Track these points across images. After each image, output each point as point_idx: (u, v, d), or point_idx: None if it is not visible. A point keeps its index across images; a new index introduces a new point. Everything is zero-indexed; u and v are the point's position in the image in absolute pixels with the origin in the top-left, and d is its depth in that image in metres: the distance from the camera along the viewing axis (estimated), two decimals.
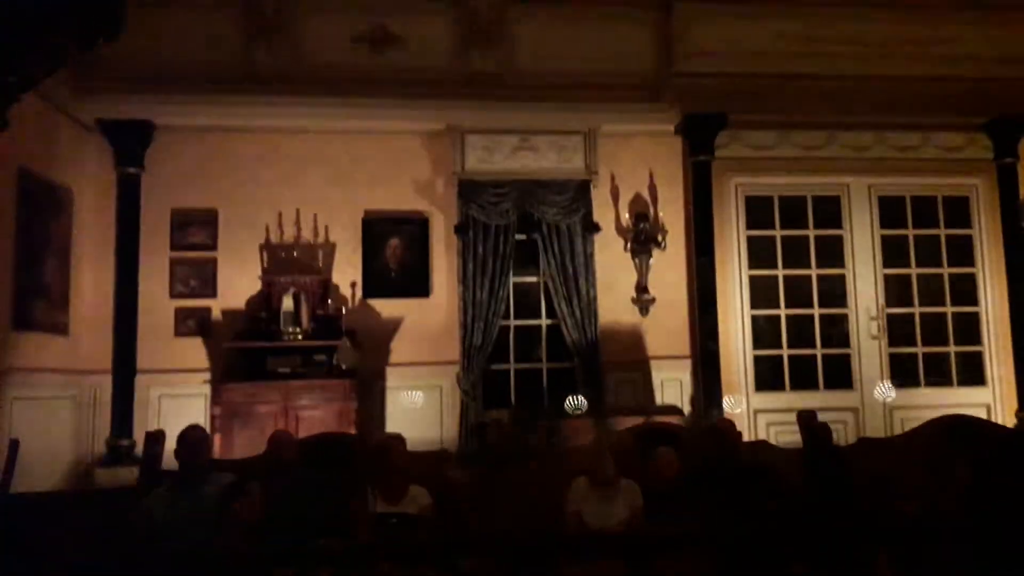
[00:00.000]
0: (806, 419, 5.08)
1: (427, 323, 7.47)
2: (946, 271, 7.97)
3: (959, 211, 8.07)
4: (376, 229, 7.54)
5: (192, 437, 4.15)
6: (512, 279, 7.49)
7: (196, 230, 7.45)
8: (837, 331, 7.79)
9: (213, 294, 7.38)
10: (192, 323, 7.30)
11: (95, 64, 6.94)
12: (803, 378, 7.69)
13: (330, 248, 7.52)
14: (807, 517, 3.59)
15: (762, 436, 7.16)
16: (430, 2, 7.23)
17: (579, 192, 7.49)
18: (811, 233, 7.87)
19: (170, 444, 4.30)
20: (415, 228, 7.56)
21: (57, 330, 6.71)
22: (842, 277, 7.83)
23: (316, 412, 6.68)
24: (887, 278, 7.86)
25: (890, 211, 7.96)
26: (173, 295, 7.35)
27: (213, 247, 7.44)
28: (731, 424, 5.00)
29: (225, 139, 7.51)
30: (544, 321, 7.66)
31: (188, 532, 3.72)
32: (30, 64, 2.08)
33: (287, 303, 7.13)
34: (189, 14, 7.05)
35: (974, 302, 7.94)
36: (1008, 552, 3.07)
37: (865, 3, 7.48)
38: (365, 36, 7.15)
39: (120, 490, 5.50)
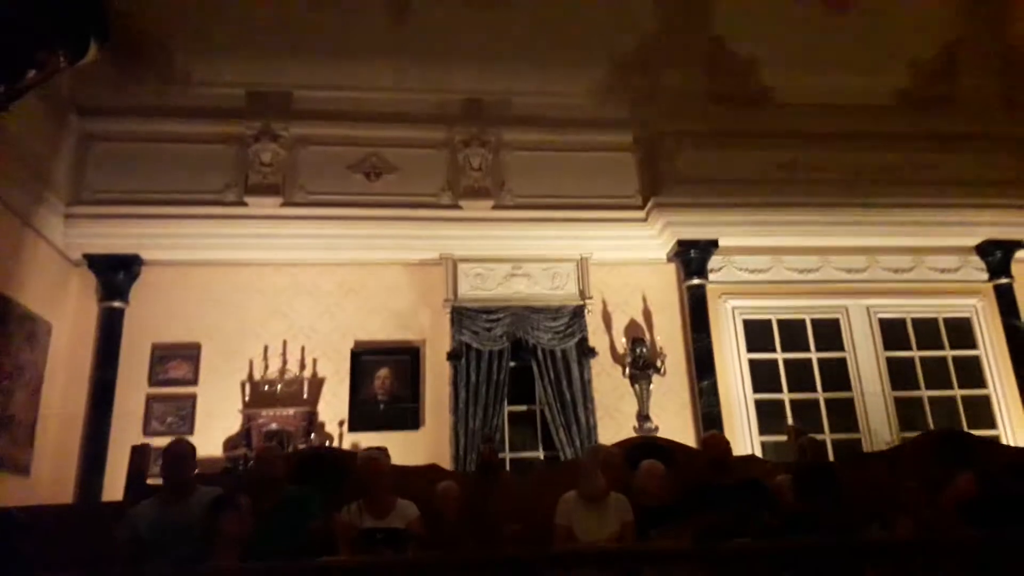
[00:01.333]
0: (798, 434, 4.93)
1: (417, 457, 6.97)
2: (958, 393, 7.67)
3: (962, 332, 7.91)
4: (365, 360, 7.27)
5: (178, 451, 4.04)
6: (507, 408, 7.14)
7: (178, 364, 7.16)
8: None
9: (190, 431, 6.93)
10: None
11: (87, 197, 7.05)
12: None
13: (317, 381, 7.21)
14: (799, 532, 3.48)
15: None
16: (423, 133, 7.41)
17: (574, 317, 7.32)
18: (814, 356, 7.64)
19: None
20: (406, 357, 7.29)
21: (18, 469, 6.22)
22: (850, 400, 7.51)
23: None
24: (897, 401, 7.54)
25: (892, 333, 7.79)
26: (147, 433, 6.90)
27: (194, 382, 7.12)
28: (721, 438, 4.80)
29: (214, 272, 7.40)
30: (541, 453, 7.21)
31: (174, 547, 3.63)
32: (21, 71, 1.97)
33: (267, 439, 6.72)
34: (182, 146, 7.18)
35: (992, 425, 7.57)
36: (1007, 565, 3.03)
37: (849, 133, 7.70)
38: (359, 165, 7.27)
39: (106, 505, 5.34)
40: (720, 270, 7.64)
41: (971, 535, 3.44)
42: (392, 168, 7.36)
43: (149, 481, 4.70)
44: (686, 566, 3.08)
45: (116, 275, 7.17)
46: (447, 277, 7.36)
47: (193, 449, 4.12)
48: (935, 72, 7.93)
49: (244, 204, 7.17)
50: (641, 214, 7.50)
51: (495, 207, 7.36)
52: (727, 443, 4.68)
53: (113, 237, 7.07)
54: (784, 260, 7.78)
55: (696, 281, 7.49)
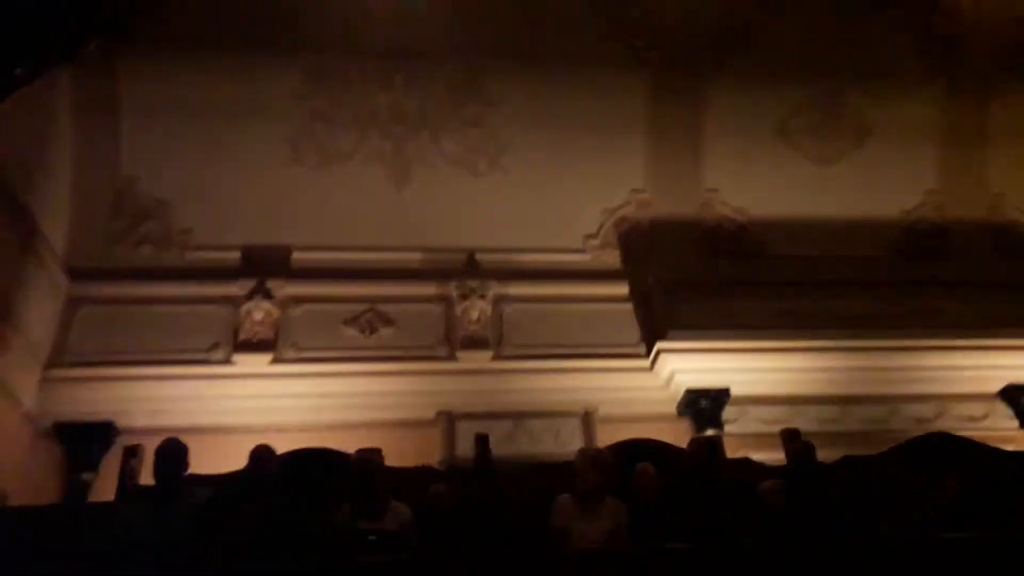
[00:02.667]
0: (789, 437, 4.98)
1: None
2: None
3: None
4: None
5: (170, 449, 3.95)
6: None
7: None
8: None
9: None
10: None
11: (65, 360, 6.76)
12: None
13: None
14: (790, 536, 3.56)
15: None
16: (420, 288, 7.33)
17: None
18: None
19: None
20: None
21: None
22: None
23: None
24: None
25: None
26: None
27: None
28: (713, 442, 4.76)
29: (195, 440, 6.62)
30: None
31: (168, 548, 3.52)
32: (28, 59, 1.90)
33: None
34: (171, 308, 7.02)
35: None
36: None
37: (848, 281, 7.65)
38: (355, 320, 7.10)
39: (98, 505, 5.22)
40: (736, 422, 7.20)
41: (953, 536, 3.45)
42: (388, 322, 7.19)
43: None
44: (684, 565, 3.08)
45: (88, 445, 6.65)
46: (445, 436, 6.88)
47: (186, 448, 4.00)
48: (924, 220, 8.09)
49: (231, 363, 6.87)
50: (645, 363, 7.24)
51: (494, 358, 7.09)
52: (713, 445, 4.59)
53: (88, 403, 6.67)
54: (802, 410, 7.34)
55: (711, 433, 7.00)
